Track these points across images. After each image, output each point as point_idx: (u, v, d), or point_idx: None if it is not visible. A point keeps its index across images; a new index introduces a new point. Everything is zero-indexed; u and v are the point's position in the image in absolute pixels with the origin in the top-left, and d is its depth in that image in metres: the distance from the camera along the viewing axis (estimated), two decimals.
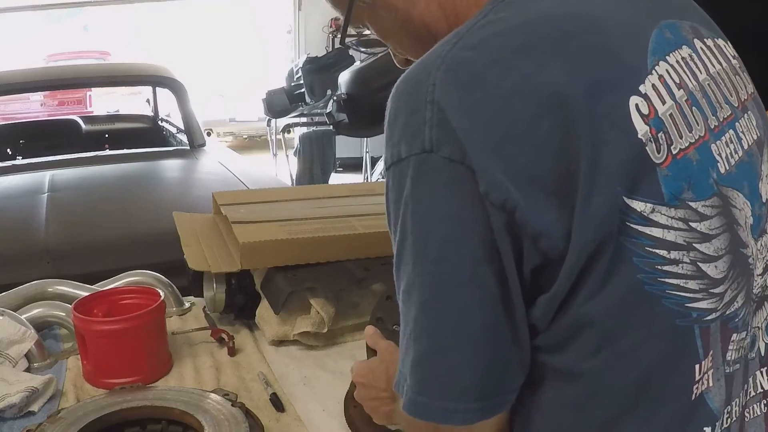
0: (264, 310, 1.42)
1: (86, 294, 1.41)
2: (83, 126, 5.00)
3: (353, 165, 7.26)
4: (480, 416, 0.63)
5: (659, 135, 0.62)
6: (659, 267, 0.62)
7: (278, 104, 6.64)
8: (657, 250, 0.61)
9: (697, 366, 0.65)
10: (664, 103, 0.63)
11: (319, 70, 6.43)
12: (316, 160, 6.38)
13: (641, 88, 0.63)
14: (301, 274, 1.40)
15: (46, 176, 3.24)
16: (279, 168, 6.54)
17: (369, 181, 6.27)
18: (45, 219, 2.63)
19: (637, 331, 0.62)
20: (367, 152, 6.35)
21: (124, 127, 5.12)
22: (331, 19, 8.40)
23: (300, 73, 6.61)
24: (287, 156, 6.26)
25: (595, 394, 0.64)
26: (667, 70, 0.65)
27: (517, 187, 0.59)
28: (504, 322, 0.62)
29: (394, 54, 0.87)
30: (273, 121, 6.78)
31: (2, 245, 2.37)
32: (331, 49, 7.63)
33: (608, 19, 0.66)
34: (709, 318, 0.65)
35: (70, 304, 1.31)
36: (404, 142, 0.63)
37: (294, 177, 6.24)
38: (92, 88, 9.00)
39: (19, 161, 4.10)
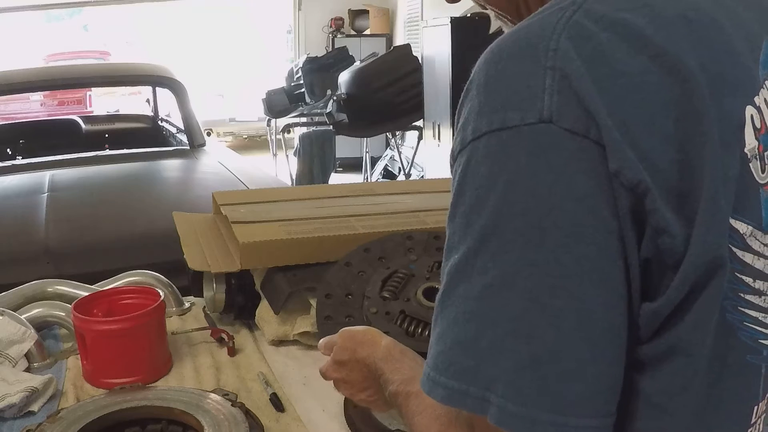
0: (264, 310, 1.42)
1: (86, 294, 1.41)
2: (83, 126, 5.01)
3: (353, 165, 7.27)
4: None
5: (765, 154, 0.57)
6: (742, 294, 0.57)
7: (278, 104, 6.66)
8: (743, 276, 0.57)
9: (755, 407, 0.60)
10: None
11: (319, 70, 6.44)
12: (316, 160, 6.38)
13: (756, 99, 0.58)
14: (301, 274, 1.40)
15: (46, 176, 3.24)
16: (279, 168, 6.54)
17: (369, 181, 6.27)
18: (45, 219, 2.63)
19: (718, 365, 0.57)
20: (367, 152, 6.36)
21: (124, 127, 5.13)
22: (331, 19, 8.41)
23: (300, 73, 6.62)
24: (287, 156, 6.27)
25: (673, 430, 0.57)
26: None
27: (647, 172, 0.53)
28: (624, 325, 0.55)
29: None
30: (273, 121, 6.80)
31: (2, 245, 2.37)
32: (331, 49, 7.63)
33: (729, 16, 0.61)
34: None
35: (70, 304, 1.31)
36: (511, 109, 0.54)
37: (294, 177, 6.24)
38: (92, 88, 9.01)
39: (19, 161, 4.10)
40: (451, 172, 0.61)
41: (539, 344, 0.53)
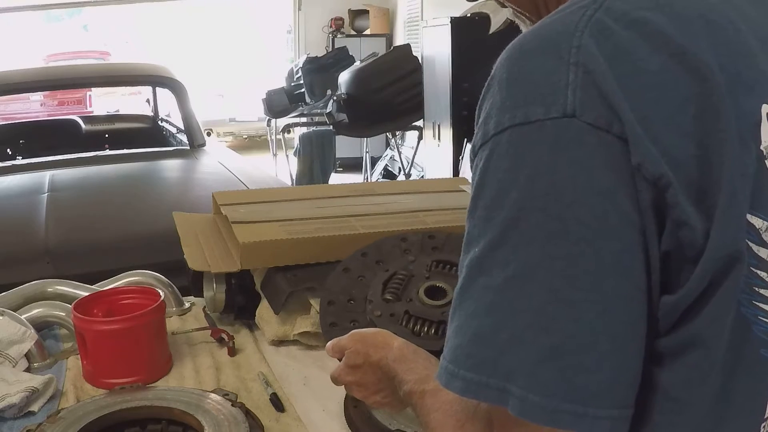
0: (264, 310, 1.42)
1: (86, 294, 1.41)
2: (83, 126, 5.01)
3: (353, 165, 7.27)
4: (608, 427, 0.54)
5: None
6: (756, 289, 0.57)
7: (278, 104, 6.66)
8: (758, 271, 0.57)
9: None
10: None
11: (319, 70, 6.44)
12: (316, 160, 6.39)
13: None
14: (301, 274, 1.40)
15: (46, 176, 3.24)
16: (279, 168, 6.54)
17: (369, 181, 6.27)
18: (45, 219, 2.63)
19: (733, 359, 0.57)
20: (367, 152, 6.35)
21: (124, 127, 5.13)
22: (331, 19, 8.41)
23: (300, 73, 6.62)
24: (287, 156, 6.27)
25: (689, 423, 0.58)
26: None
27: (668, 166, 0.54)
28: (644, 317, 0.55)
29: None
30: (273, 121, 6.80)
31: (2, 245, 2.37)
32: (331, 49, 7.63)
33: (742, 17, 0.62)
34: None
35: (70, 304, 1.31)
36: (535, 104, 0.55)
37: (294, 177, 6.24)
38: (92, 88, 9.01)
39: (19, 161, 4.11)
40: (471, 166, 0.61)
41: (559, 336, 0.54)
